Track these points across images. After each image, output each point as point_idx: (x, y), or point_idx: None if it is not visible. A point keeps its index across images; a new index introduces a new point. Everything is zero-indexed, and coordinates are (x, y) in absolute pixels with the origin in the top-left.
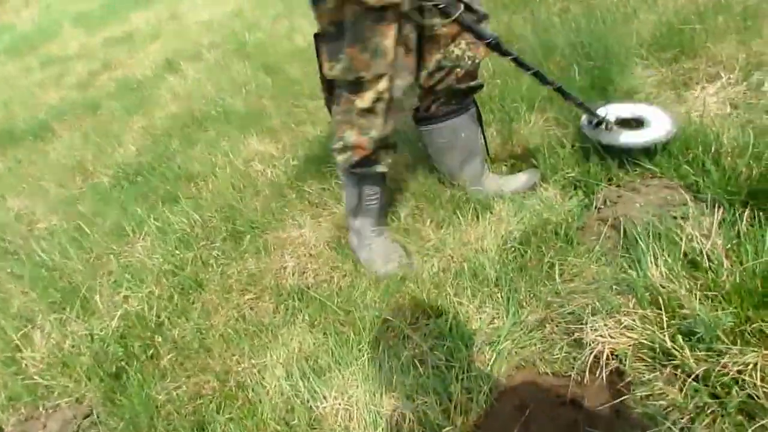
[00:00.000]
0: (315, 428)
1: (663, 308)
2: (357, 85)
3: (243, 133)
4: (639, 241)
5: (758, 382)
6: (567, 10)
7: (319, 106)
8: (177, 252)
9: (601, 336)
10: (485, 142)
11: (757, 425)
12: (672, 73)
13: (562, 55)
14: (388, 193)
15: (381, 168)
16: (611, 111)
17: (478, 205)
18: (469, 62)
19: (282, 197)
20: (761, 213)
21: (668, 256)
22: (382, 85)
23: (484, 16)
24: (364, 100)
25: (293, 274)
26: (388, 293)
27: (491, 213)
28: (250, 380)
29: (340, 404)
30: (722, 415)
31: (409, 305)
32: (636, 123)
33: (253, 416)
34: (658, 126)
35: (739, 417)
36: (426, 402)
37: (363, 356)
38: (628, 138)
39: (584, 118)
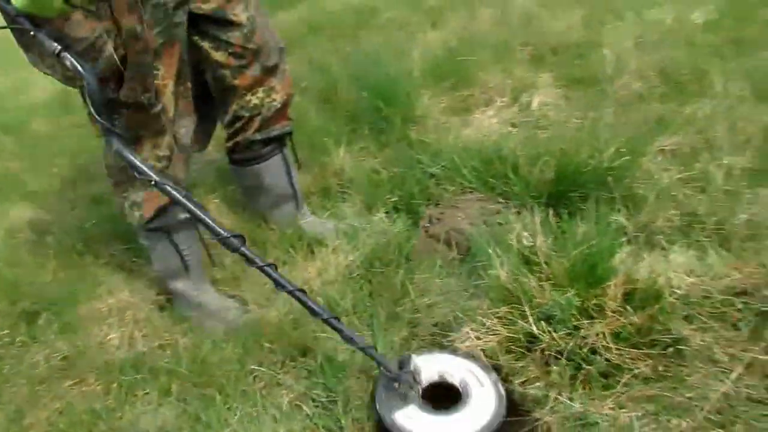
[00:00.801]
0: None
1: (521, 302)
2: (136, 142)
3: None
4: (486, 247)
5: (611, 346)
6: (339, 49)
7: (89, 163)
8: None
9: (469, 340)
10: (293, 186)
11: (621, 383)
12: (453, 100)
13: (347, 90)
14: (203, 243)
15: (183, 214)
16: (420, 366)
17: (312, 241)
18: (267, 110)
19: (78, 265)
20: (564, 210)
21: (507, 257)
22: (166, 139)
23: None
24: (143, 155)
25: (120, 347)
26: (245, 343)
27: (326, 247)
28: None
29: None
30: (590, 381)
31: (272, 350)
32: (451, 392)
33: None
34: (479, 405)
35: (603, 380)
36: None
37: (237, 414)
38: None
39: (382, 377)
